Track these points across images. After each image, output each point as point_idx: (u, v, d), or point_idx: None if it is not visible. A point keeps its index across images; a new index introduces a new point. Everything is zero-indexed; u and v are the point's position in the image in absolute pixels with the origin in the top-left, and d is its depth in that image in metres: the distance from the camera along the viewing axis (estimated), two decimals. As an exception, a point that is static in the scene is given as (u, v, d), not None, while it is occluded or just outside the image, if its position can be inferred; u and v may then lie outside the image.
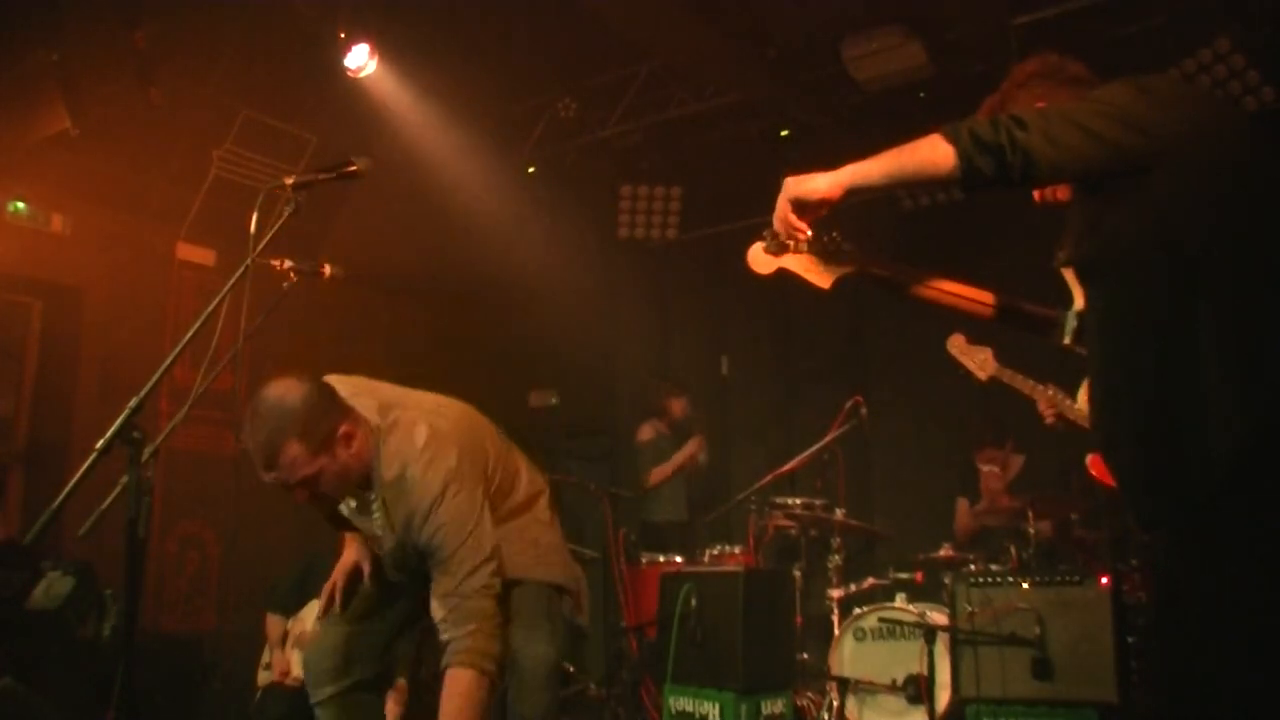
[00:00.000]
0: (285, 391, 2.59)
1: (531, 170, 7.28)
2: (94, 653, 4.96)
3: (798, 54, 6.01)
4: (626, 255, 7.64)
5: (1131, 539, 3.92)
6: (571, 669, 5.63)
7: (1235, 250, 1.81)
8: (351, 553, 2.99)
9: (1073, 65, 2.22)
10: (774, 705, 4.45)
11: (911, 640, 4.54)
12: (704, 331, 7.72)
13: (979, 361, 3.43)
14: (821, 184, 2.00)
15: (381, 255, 6.67)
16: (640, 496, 6.61)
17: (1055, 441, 4.69)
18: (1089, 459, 3.81)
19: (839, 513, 5.18)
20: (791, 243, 2.22)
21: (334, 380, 2.81)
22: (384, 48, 5.66)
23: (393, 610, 3.00)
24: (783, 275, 2.33)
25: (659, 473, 6.56)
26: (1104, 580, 4.03)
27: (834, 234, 2.29)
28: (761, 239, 2.27)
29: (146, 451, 2.27)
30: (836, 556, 5.09)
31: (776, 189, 2.08)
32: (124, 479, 2.24)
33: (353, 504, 2.85)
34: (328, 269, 3.18)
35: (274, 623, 5.01)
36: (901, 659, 4.57)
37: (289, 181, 2.68)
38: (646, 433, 6.71)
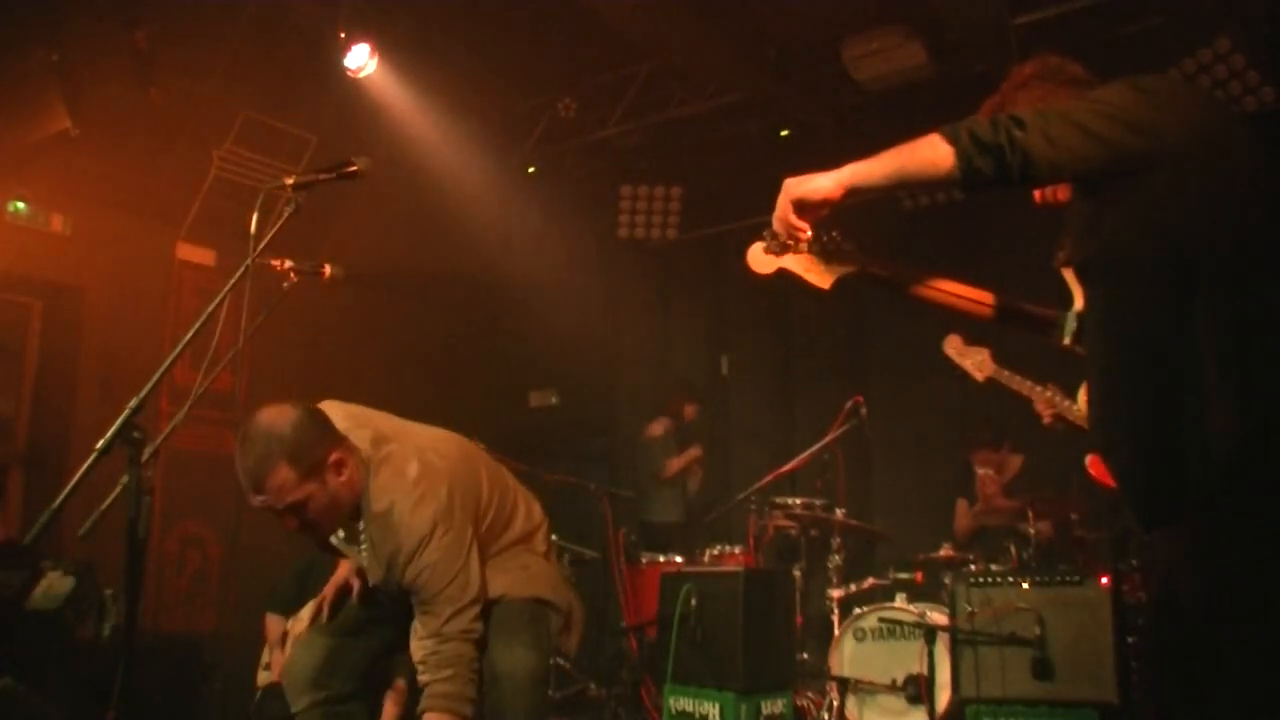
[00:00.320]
0: (276, 416, 2.58)
1: (531, 170, 7.28)
2: (94, 653, 4.96)
3: (798, 54, 6.02)
4: (626, 255, 7.64)
5: (1131, 539, 3.92)
6: (572, 669, 5.63)
7: (1234, 250, 1.81)
8: (344, 568, 2.98)
9: (1072, 66, 2.22)
10: (774, 705, 4.45)
11: (911, 640, 4.54)
12: (704, 331, 7.72)
13: (976, 362, 3.43)
14: (822, 184, 2.00)
15: (381, 255, 6.67)
16: (643, 495, 6.64)
17: (1055, 441, 4.67)
18: (1088, 459, 3.81)
19: (839, 513, 5.18)
20: (792, 243, 2.22)
21: (330, 407, 2.79)
22: (384, 48, 5.66)
23: (381, 630, 2.97)
24: (783, 275, 2.33)
25: (676, 462, 6.63)
26: (1104, 580, 4.03)
27: (834, 234, 2.29)
28: (762, 239, 2.27)
29: (146, 451, 2.27)
30: (836, 556, 5.09)
31: (776, 189, 2.08)
32: (124, 479, 2.24)
33: (341, 534, 2.82)
34: (328, 269, 3.18)
35: (274, 623, 5.00)
36: (901, 659, 4.57)
37: (289, 181, 2.68)
38: (657, 429, 6.77)
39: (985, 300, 2.38)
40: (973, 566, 4.75)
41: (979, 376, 3.40)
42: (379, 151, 5.81)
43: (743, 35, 5.84)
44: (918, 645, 4.44)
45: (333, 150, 6.09)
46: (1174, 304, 1.82)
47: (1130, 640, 3.81)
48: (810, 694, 4.92)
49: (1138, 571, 3.98)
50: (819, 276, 2.29)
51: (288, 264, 2.95)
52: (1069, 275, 2.33)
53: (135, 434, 2.25)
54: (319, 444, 2.60)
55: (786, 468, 5.36)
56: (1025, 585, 4.20)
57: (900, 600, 4.83)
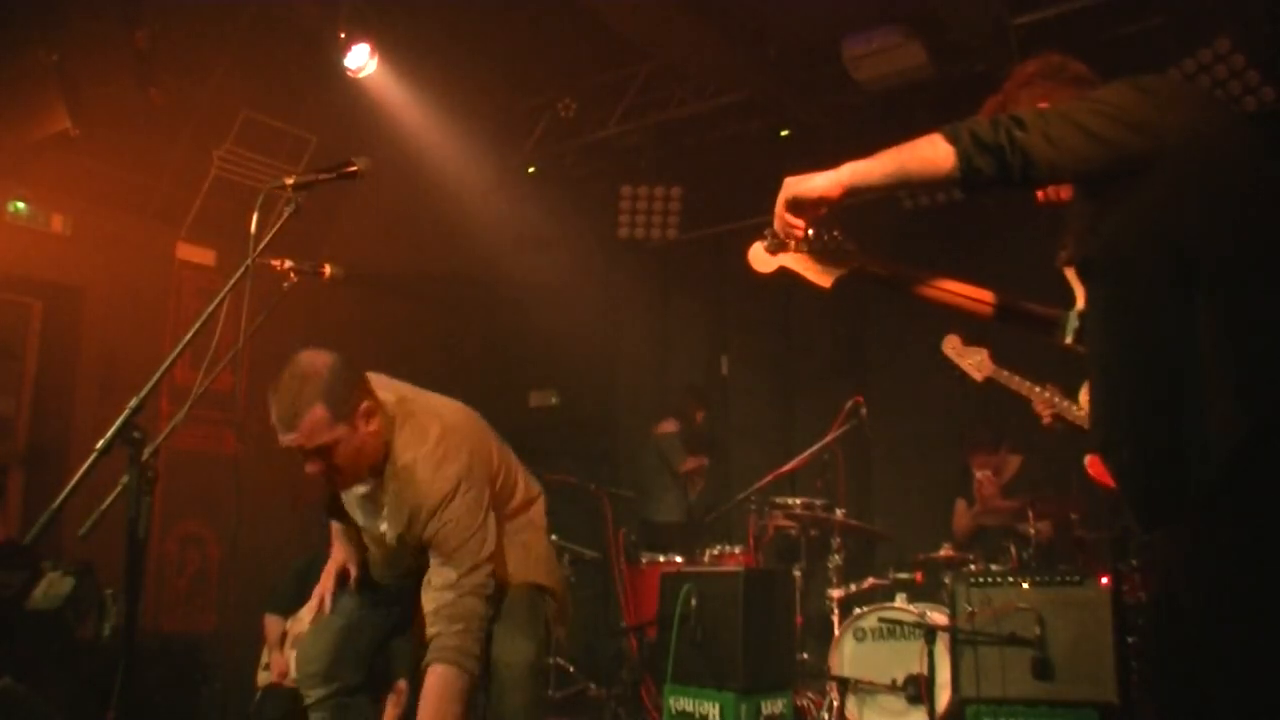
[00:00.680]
0: (314, 359, 2.65)
1: (531, 170, 7.28)
2: (94, 653, 4.95)
3: (798, 54, 6.01)
4: (626, 255, 7.64)
5: (1131, 539, 3.91)
6: (572, 669, 5.64)
7: (1235, 250, 1.81)
8: (340, 553, 2.98)
9: (1074, 65, 2.22)
10: (774, 705, 4.45)
11: (911, 640, 4.54)
12: (704, 331, 7.72)
13: (975, 362, 3.43)
14: (820, 183, 2.00)
15: (381, 255, 6.67)
16: (647, 493, 6.65)
17: (1054, 441, 4.68)
18: (1088, 459, 3.81)
19: (839, 513, 5.18)
20: (790, 241, 2.22)
21: None
22: (384, 48, 5.66)
23: (379, 615, 3.00)
24: (783, 275, 2.34)
25: (691, 461, 6.67)
26: (1104, 580, 4.03)
27: (835, 233, 2.29)
28: (763, 238, 2.27)
29: (146, 451, 2.27)
30: (836, 556, 5.09)
31: (777, 189, 2.08)
32: (124, 479, 2.24)
33: (359, 490, 2.84)
34: (328, 269, 3.18)
35: (273, 623, 5.00)
36: (901, 659, 4.57)
37: (289, 181, 2.68)
38: (670, 426, 6.83)
39: (986, 299, 2.38)
40: (973, 566, 4.75)
41: (977, 376, 3.39)
42: (379, 151, 5.81)
43: (743, 35, 5.84)
44: (918, 645, 4.44)
45: (333, 150, 6.10)
46: (1174, 303, 1.82)
47: (1130, 640, 3.81)
48: (810, 694, 4.92)
49: (1138, 571, 3.98)
50: (819, 275, 2.29)
51: (288, 264, 2.95)
52: (1070, 274, 2.33)
53: (135, 434, 2.25)
54: (352, 390, 2.65)
55: (786, 468, 5.35)
56: (1025, 585, 4.20)
57: (900, 600, 4.83)
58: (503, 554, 2.87)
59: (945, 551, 5.05)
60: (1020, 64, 2.29)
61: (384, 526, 2.82)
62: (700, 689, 4.41)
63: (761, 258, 2.30)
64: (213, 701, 5.79)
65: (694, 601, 4.51)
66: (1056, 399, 3.06)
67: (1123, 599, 3.78)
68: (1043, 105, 2.06)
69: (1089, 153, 1.86)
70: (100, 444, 2.22)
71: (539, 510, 3.11)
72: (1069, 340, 2.36)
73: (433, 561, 2.73)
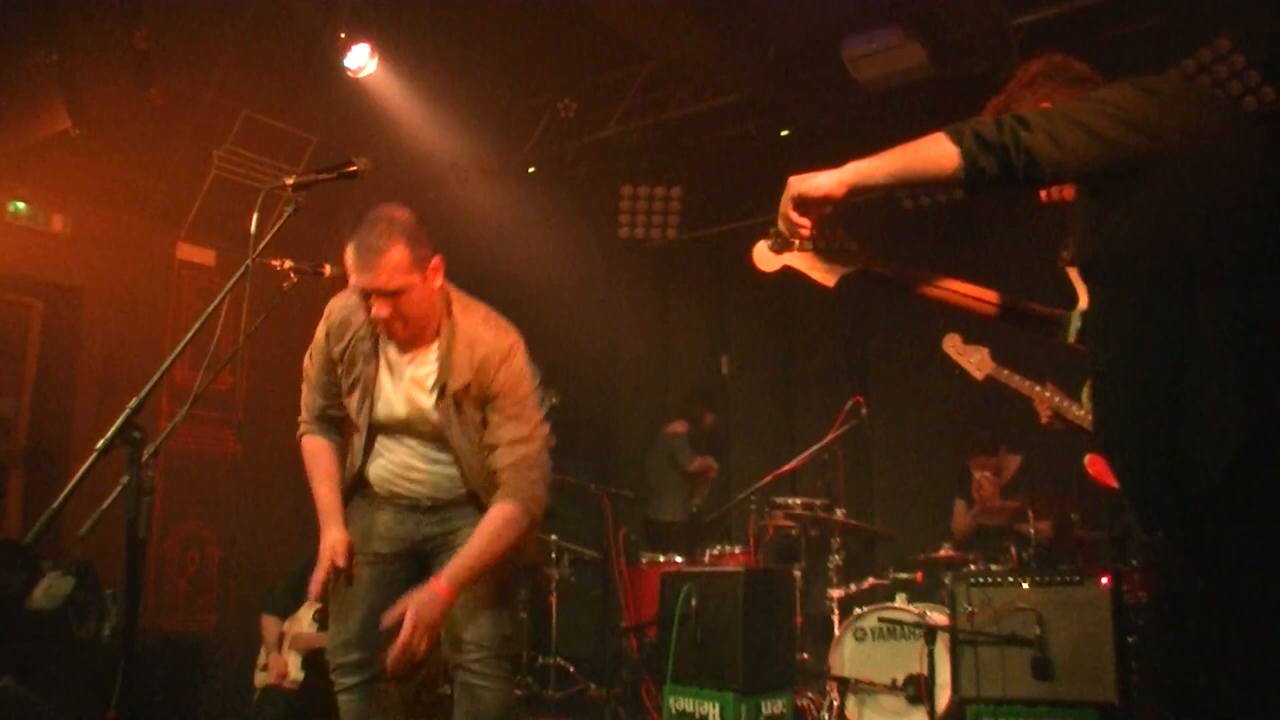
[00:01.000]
0: (396, 208, 2.77)
1: (531, 170, 7.28)
2: (94, 653, 4.96)
3: (798, 54, 6.01)
4: (626, 255, 7.64)
5: (1131, 539, 3.91)
6: (572, 669, 5.64)
7: (1237, 250, 1.81)
8: (326, 550, 2.88)
9: (1077, 65, 2.23)
10: (774, 705, 4.45)
11: (911, 640, 4.53)
12: (704, 331, 7.72)
13: (975, 361, 3.43)
14: (824, 181, 2.00)
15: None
16: (653, 492, 6.66)
17: (1054, 441, 4.69)
18: (1088, 459, 3.81)
19: (839, 513, 5.18)
20: (795, 240, 2.22)
21: None
22: (384, 48, 5.66)
23: (399, 590, 2.91)
24: (784, 275, 2.34)
25: (699, 462, 6.68)
26: (1104, 580, 4.02)
27: (838, 232, 2.29)
28: (766, 237, 2.27)
29: (146, 451, 2.27)
30: (836, 556, 5.09)
31: (777, 189, 2.08)
32: (124, 479, 2.24)
33: (403, 356, 2.86)
34: (328, 269, 3.18)
35: (270, 625, 5.00)
36: (901, 659, 4.57)
37: (289, 181, 2.69)
38: (679, 427, 6.84)
39: (989, 299, 2.38)
40: (973, 566, 4.75)
41: (978, 375, 3.40)
42: (379, 151, 5.81)
43: (743, 35, 5.84)
44: (918, 645, 4.44)
45: (333, 150, 6.10)
46: (1177, 304, 1.82)
47: (1130, 640, 3.81)
48: (810, 694, 4.92)
49: (1138, 571, 3.98)
50: (823, 275, 2.29)
51: (288, 264, 2.95)
52: (1073, 274, 2.33)
53: (135, 434, 2.25)
54: (428, 243, 2.77)
55: (786, 468, 5.35)
56: (1025, 585, 4.19)
57: (900, 600, 4.83)
58: None
59: (945, 551, 5.05)
60: (1023, 64, 2.29)
61: (430, 399, 2.81)
62: (700, 689, 4.41)
63: (765, 257, 2.30)
64: (213, 701, 5.79)
65: (694, 601, 4.51)
66: (1057, 398, 3.06)
67: (1123, 599, 3.78)
68: (1046, 105, 2.06)
69: (1092, 153, 1.86)
70: (100, 444, 2.22)
71: None
72: (1071, 339, 2.36)
73: (497, 419, 2.80)
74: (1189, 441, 1.77)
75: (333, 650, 2.88)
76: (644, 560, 5.69)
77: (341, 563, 2.78)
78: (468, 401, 2.82)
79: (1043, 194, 2.23)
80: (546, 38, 6.12)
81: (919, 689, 4.45)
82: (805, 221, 2.06)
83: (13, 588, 4.77)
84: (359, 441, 2.91)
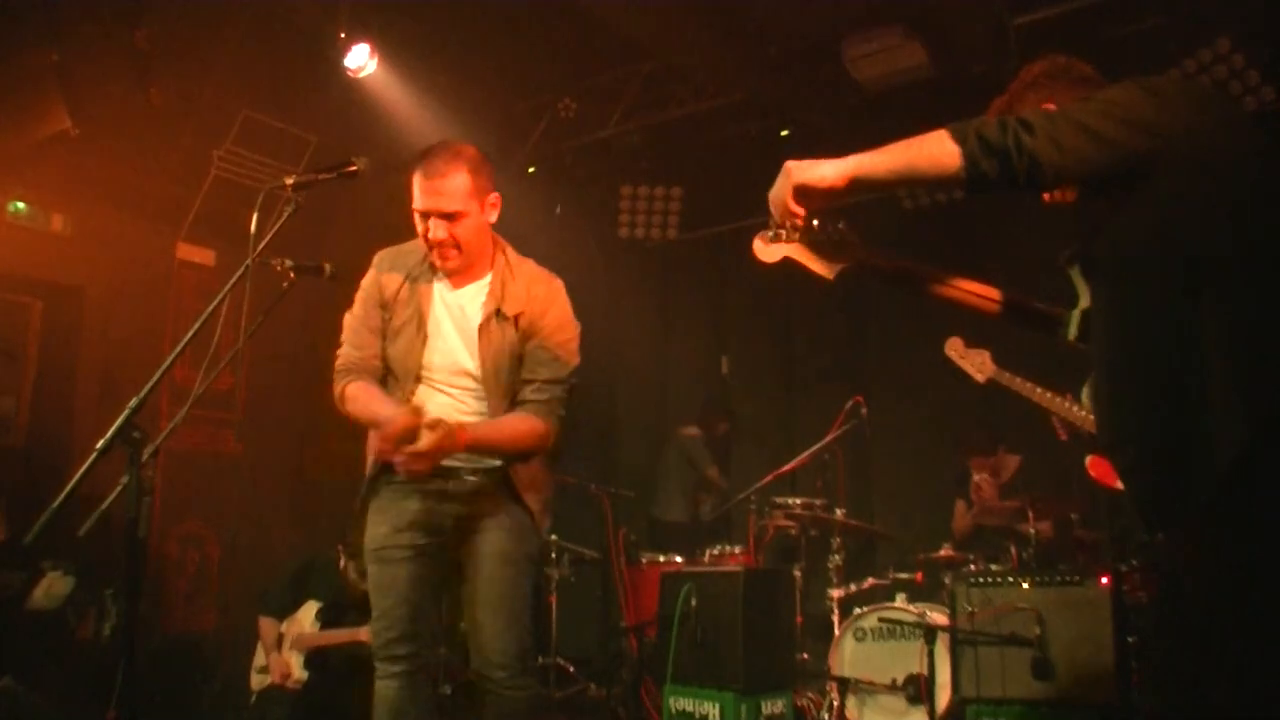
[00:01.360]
0: (467, 144, 2.94)
1: (531, 170, 7.28)
2: (94, 653, 4.96)
3: (798, 54, 6.01)
4: (626, 255, 7.64)
5: (1131, 539, 3.91)
6: (572, 669, 5.63)
7: (1240, 251, 1.81)
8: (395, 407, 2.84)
9: (1079, 66, 2.22)
10: (774, 705, 4.45)
11: (911, 640, 4.53)
12: (704, 331, 7.72)
13: (977, 365, 3.43)
14: (828, 172, 1.99)
15: (381, 255, 6.66)
16: (660, 491, 6.66)
17: (1054, 441, 4.68)
18: (1089, 460, 3.81)
19: (839, 513, 5.18)
20: (787, 229, 2.22)
21: None
22: (384, 48, 5.66)
23: (438, 589, 3.01)
24: (784, 275, 2.34)
25: (714, 472, 6.70)
26: (1104, 580, 4.02)
27: (840, 225, 2.29)
28: (767, 229, 2.27)
29: (146, 451, 2.28)
30: (836, 556, 5.09)
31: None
32: (124, 479, 2.25)
33: (455, 291, 2.97)
34: (328, 269, 3.18)
35: (268, 625, 5.00)
36: (901, 659, 4.57)
37: (289, 181, 2.69)
38: (695, 431, 6.87)
39: (990, 296, 2.38)
40: (972, 566, 4.75)
41: (980, 378, 3.40)
42: (379, 151, 5.81)
43: (743, 35, 5.84)
44: (918, 645, 4.44)
45: (333, 150, 6.10)
46: (1179, 305, 1.82)
47: (1130, 640, 3.81)
48: (810, 694, 4.92)
49: (1138, 571, 3.98)
50: (823, 267, 2.29)
51: (287, 264, 2.95)
52: (1075, 272, 2.33)
53: (135, 434, 2.26)
54: (490, 179, 2.92)
55: (786, 468, 5.35)
56: (1025, 585, 4.19)
57: (900, 600, 4.83)
58: None
59: (945, 551, 5.05)
60: (1025, 65, 2.29)
61: (478, 321, 2.92)
62: (700, 689, 4.41)
63: (765, 248, 2.30)
64: (213, 701, 5.79)
65: (694, 601, 4.51)
66: (1066, 406, 3.06)
67: (1123, 599, 3.77)
68: (1049, 107, 2.06)
69: (1095, 156, 1.86)
70: (100, 444, 2.22)
71: None
72: (1072, 338, 2.36)
73: (538, 355, 2.92)
74: (1191, 441, 1.77)
75: (378, 645, 2.89)
76: (644, 560, 5.69)
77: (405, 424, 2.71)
78: (514, 331, 2.92)
79: (1045, 195, 2.23)
80: (546, 38, 6.12)
81: (919, 689, 4.45)
82: (801, 211, 2.06)
83: (13, 588, 4.77)
84: (399, 392, 2.94)
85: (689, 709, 4.43)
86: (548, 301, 2.98)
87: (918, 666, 4.44)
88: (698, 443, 6.78)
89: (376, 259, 3.11)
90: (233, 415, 6.68)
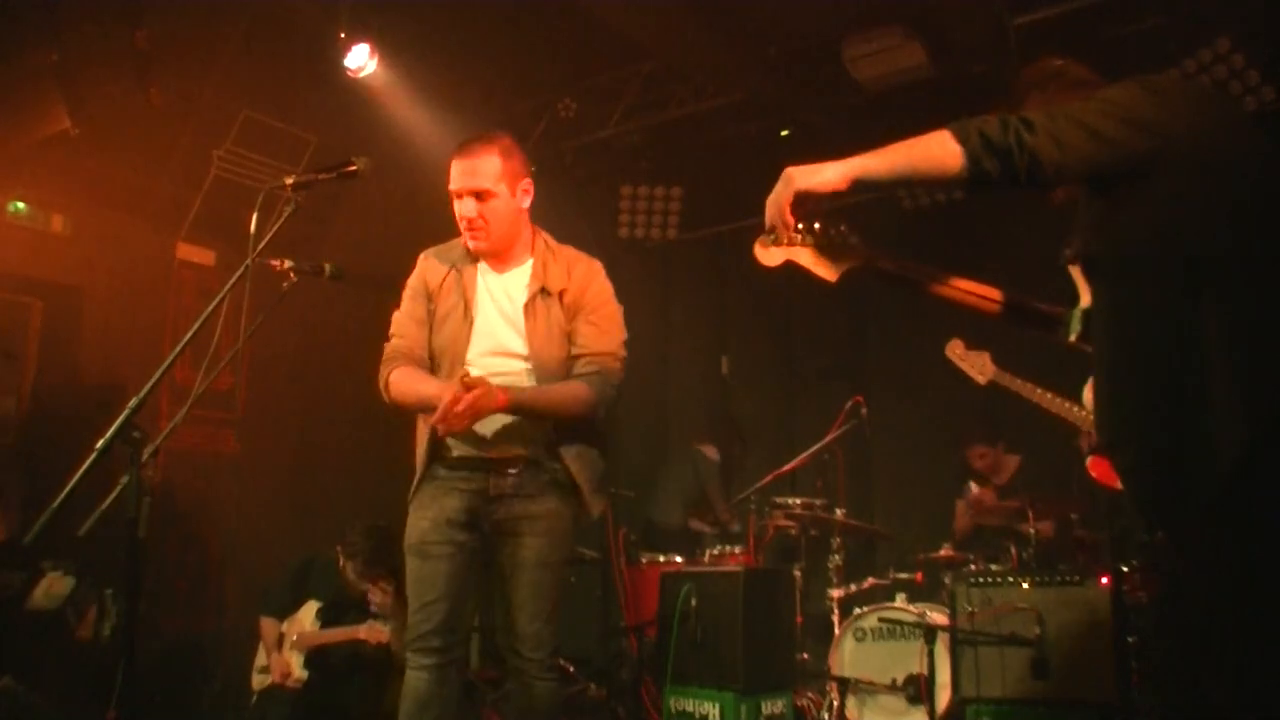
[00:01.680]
0: (502, 132, 3.09)
1: (532, 170, 7.27)
2: (94, 653, 4.95)
3: (798, 54, 6.01)
4: (626, 255, 7.64)
5: (1131, 539, 3.92)
6: (572, 669, 5.63)
7: (1241, 251, 1.81)
8: (432, 388, 2.90)
9: (1075, 68, 2.23)
10: (774, 705, 4.45)
11: (911, 640, 4.54)
12: (704, 331, 7.72)
13: (977, 366, 3.43)
14: (830, 176, 2.00)
15: (382, 255, 6.66)
16: (662, 495, 6.60)
17: (1054, 441, 4.68)
18: (1089, 460, 3.80)
19: (839, 513, 5.18)
20: (779, 235, 2.23)
21: None
22: (384, 48, 5.65)
23: (475, 586, 3.06)
24: (784, 275, 2.34)
25: (724, 509, 6.53)
26: (1104, 580, 4.02)
27: (841, 228, 2.30)
28: (768, 231, 2.28)
29: (146, 451, 2.28)
30: (836, 556, 5.09)
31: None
32: (124, 479, 2.25)
33: (499, 275, 3.05)
34: (328, 269, 3.18)
35: (269, 626, 5.00)
36: (901, 659, 4.57)
37: (289, 181, 2.70)
38: (713, 454, 6.68)
39: (991, 296, 2.38)
40: (973, 566, 4.75)
41: (981, 380, 3.40)
42: (379, 151, 5.81)
43: (743, 35, 5.84)
44: (918, 645, 4.44)
45: (333, 150, 6.09)
46: (1181, 305, 1.82)
47: (1130, 640, 3.81)
48: (810, 694, 4.92)
49: (1138, 571, 3.98)
50: (826, 269, 2.30)
51: (287, 264, 2.95)
52: (1075, 272, 2.33)
53: (135, 434, 2.26)
54: (525, 166, 3.06)
55: (786, 468, 5.35)
56: (1025, 585, 4.20)
57: (900, 600, 4.84)
58: None
59: (945, 551, 5.05)
60: (1024, 67, 2.29)
61: (523, 301, 2.99)
62: (700, 689, 4.41)
63: (766, 251, 2.31)
64: (213, 701, 5.78)
65: (694, 601, 4.51)
66: (1059, 401, 3.06)
67: (1123, 599, 3.78)
68: (1049, 108, 2.06)
69: (1096, 155, 1.86)
70: (100, 444, 2.23)
71: None
72: (1073, 338, 2.36)
73: (586, 330, 3.01)
74: (1192, 443, 1.77)
75: (413, 638, 2.92)
76: (644, 560, 5.68)
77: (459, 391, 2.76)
78: (559, 308, 2.99)
79: (1054, 196, 2.23)
80: (546, 38, 6.11)
81: (919, 689, 4.45)
82: (791, 220, 2.07)
83: (13, 588, 4.76)
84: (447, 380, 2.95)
85: (689, 709, 4.43)
86: (589, 278, 3.07)
87: (918, 666, 4.45)
88: (715, 470, 6.65)
89: (421, 256, 3.19)
90: (233, 415, 6.68)
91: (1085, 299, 2.31)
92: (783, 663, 4.71)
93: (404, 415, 3.11)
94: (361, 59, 5.61)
